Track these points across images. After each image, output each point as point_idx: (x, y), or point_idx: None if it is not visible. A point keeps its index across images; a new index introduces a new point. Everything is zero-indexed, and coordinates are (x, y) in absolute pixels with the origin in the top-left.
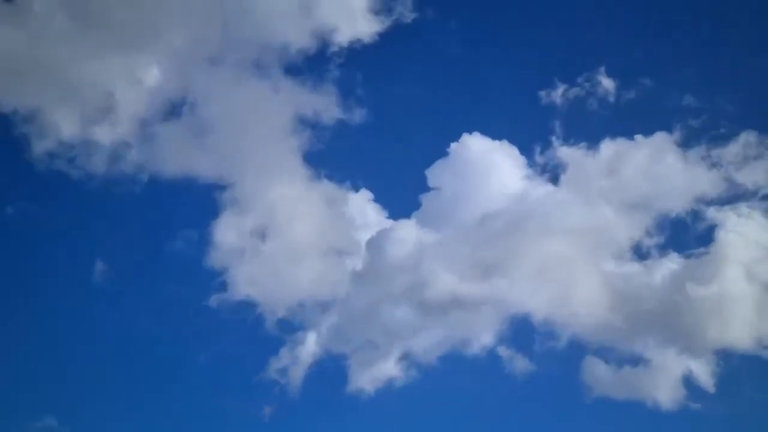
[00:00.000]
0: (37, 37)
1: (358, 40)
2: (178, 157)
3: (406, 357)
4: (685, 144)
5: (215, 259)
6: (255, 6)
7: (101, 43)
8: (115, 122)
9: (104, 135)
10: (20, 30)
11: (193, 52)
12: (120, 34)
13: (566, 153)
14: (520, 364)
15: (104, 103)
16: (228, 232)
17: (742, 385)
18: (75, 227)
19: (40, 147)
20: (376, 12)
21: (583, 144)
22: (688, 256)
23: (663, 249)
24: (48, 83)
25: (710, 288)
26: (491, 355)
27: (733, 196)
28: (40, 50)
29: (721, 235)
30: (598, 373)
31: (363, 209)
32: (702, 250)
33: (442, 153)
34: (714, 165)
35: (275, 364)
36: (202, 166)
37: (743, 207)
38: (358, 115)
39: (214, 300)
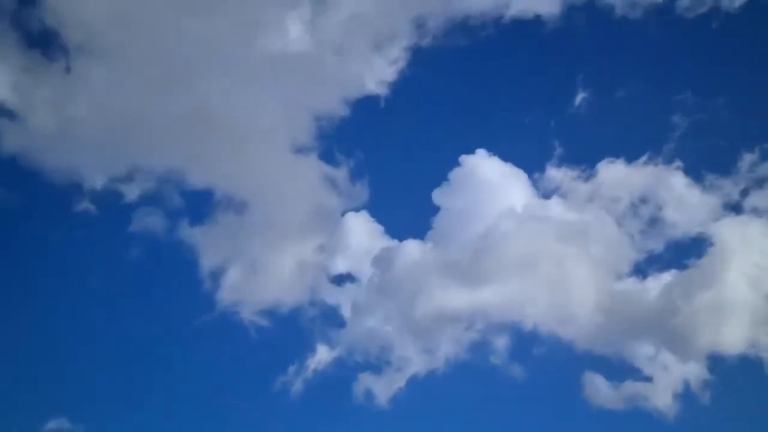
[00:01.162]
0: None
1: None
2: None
3: (407, 368)
4: (683, 157)
5: (216, 265)
6: None
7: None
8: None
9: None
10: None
11: None
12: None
13: (565, 172)
14: (523, 376)
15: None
16: (227, 236)
17: (739, 391)
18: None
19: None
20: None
21: (581, 164)
22: (684, 268)
23: (661, 262)
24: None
25: (707, 297)
26: (493, 367)
27: (730, 207)
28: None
29: (717, 245)
30: (597, 385)
31: (364, 229)
32: (698, 261)
33: (443, 174)
34: (710, 175)
35: (282, 377)
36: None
37: (740, 218)
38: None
39: (216, 309)
